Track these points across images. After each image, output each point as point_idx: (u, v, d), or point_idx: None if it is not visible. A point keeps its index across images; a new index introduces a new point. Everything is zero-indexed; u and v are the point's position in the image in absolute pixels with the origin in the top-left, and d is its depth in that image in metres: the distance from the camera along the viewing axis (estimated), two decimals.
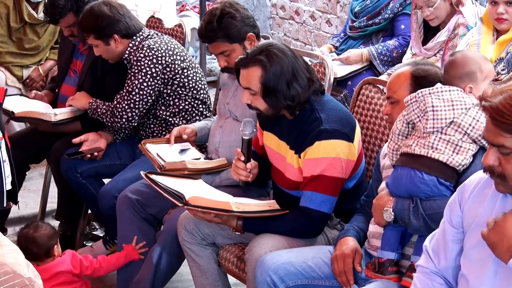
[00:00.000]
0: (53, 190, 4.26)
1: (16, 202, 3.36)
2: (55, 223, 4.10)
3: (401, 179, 2.54)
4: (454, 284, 2.19)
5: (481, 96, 1.95)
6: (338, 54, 4.68)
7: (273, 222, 2.90)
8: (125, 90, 3.74)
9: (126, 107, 3.71)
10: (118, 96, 3.76)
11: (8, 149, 3.14)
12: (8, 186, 3.10)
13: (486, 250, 2.00)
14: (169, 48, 3.75)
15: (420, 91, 2.57)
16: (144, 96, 3.71)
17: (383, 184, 2.69)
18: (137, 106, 3.72)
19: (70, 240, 4.05)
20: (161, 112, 3.82)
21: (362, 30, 4.66)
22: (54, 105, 4.18)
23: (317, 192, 2.85)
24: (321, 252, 2.79)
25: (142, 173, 3.05)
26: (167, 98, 3.79)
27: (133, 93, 3.70)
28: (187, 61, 3.80)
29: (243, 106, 3.13)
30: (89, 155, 3.80)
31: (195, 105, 3.83)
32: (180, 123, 3.79)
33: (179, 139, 3.56)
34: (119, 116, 3.73)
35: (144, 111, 3.77)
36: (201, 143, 3.70)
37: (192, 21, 6.48)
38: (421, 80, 2.68)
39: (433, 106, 2.52)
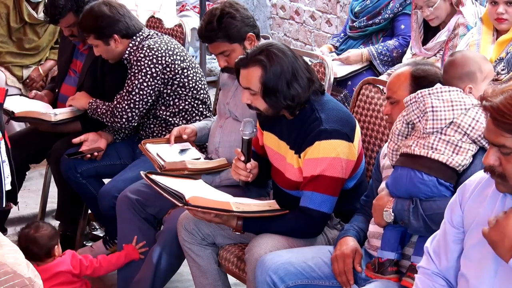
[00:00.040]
0: (53, 190, 4.26)
1: (16, 203, 3.36)
2: (55, 223, 4.10)
3: (401, 180, 2.54)
4: (456, 284, 2.19)
5: (481, 96, 1.95)
6: (338, 54, 4.68)
7: (273, 222, 2.90)
8: (125, 90, 3.74)
9: (126, 107, 3.71)
10: (118, 96, 3.76)
11: (8, 149, 3.14)
12: (7, 186, 3.10)
13: (487, 249, 2.00)
14: (169, 48, 3.75)
15: (419, 91, 2.57)
16: (144, 96, 3.71)
17: (383, 184, 2.69)
18: (137, 106, 3.72)
19: (70, 240, 4.05)
20: (161, 112, 3.82)
21: (362, 30, 4.66)
22: (54, 105, 4.18)
23: (317, 192, 2.85)
24: (321, 252, 2.79)
25: (142, 173, 3.05)
26: (167, 98, 3.79)
27: (133, 93, 3.70)
28: (187, 61, 3.80)
29: (243, 106, 3.13)
30: (89, 155, 3.80)
31: (195, 105, 3.83)
32: (180, 123, 3.79)
33: (179, 139, 3.56)
34: (119, 116, 3.73)
35: (144, 111, 3.78)
36: (201, 143, 3.70)
37: (192, 21, 6.48)
38: (420, 80, 2.68)
39: (432, 107, 2.52)
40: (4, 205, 3.12)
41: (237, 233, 2.95)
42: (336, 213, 2.98)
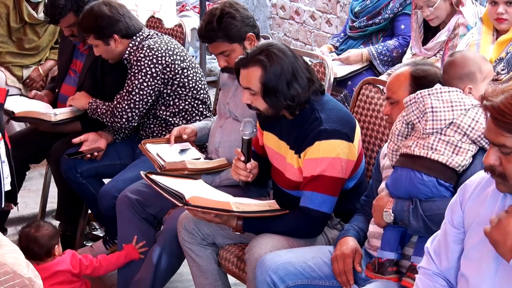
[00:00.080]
0: (53, 190, 4.26)
1: (16, 204, 3.36)
2: (55, 223, 4.10)
3: (400, 180, 2.53)
4: (456, 285, 2.19)
5: (482, 96, 1.96)
6: (338, 54, 4.68)
7: (273, 222, 2.90)
8: (125, 90, 3.74)
9: (126, 107, 3.71)
10: (118, 96, 3.76)
11: (8, 150, 3.14)
12: (7, 187, 3.09)
13: (487, 249, 2.00)
14: (169, 48, 3.75)
15: (419, 92, 2.57)
16: (144, 96, 3.71)
17: (383, 185, 2.69)
18: (137, 106, 3.72)
19: (70, 240, 4.05)
20: (161, 112, 3.82)
21: (362, 30, 4.66)
22: (54, 105, 4.18)
23: (317, 192, 2.85)
24: (321, 252, 2.79)
25: (142, 173, 3.05)
26: (167, 98, 3.79)
27: (133, 93, 3.70)
28: (187, 61, 3.80)
29: (243, 106, 3.13)
30: (89, 155, 3.80)
31: (195, 105, 3.83)
32: (180, 123, 3.79)
33: (179, 139, 3.56)
34: (119, 116, 3.73)
35: (144, 111, 3.78)
36: (201, 143, 3.70)
37: (192, 21, 6.48)
38: (420, 80, 2.68)
39: (432, 107, 2.51)
40: (3, 206, 3.12)
41: (237, 233, 2.95)
42: (336, 213, 2.98)
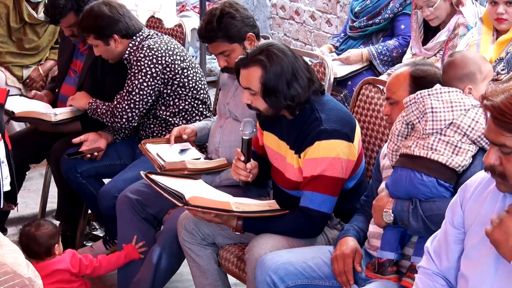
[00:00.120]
0: (53, 190, 4.26)
1: (15, 204, 3.36)
2: (55, 223, 4.10)
3: (400, 181, 2.53)
4: (456, 285, 2.19)
5: (483, 95, 1.96)
6: (338, 54, 4.68)
7: (273, 222, 2.90)
8: (125, 90, 3.74)
9: (126, 107, 3.71)
10: (118, 96, 3.76)
11: (8, 150, 3.14)
12: (6, 187, 3.09)
13: (487, 249, 2.00)
14: (169, 48, 3.75)
15: (419, 92, 2.57)
16: (144, 96, 3.71)
17: (383, 185, 2.69)
18: (137, 106, 3.72)
19: (70, 240, 4.05)
20: (161, 112, 3.82)
21: (362, 30, 4.66)
22: (54, 105, 4.18)
23: (317, 192, 2.85)
24: (321, 252, 2.79)
25: (142, 173, 3.05)
26: (167, 98, 3.79)
27: (133, 93, 3.70)
28: (187, 61, 3.80)
29: (243, 106, 3.12)
30: (89, 155, 3.80)
31: (195, 105, 3.83)
32: (180, 123, 3.79)
33: (179, 139, 3.56)
34: (119, 116, 3.73)
35: (144, 111, 3.78)
36: (201, 143, 3.70)
37: (192, 21, 6.48)
38: (420, 80, 2.68)
39: (432, 108, 2.51)
40: (1, 206, 3.11)
41: (237, 233, 2.95)
42: (336, 213, 2.98)
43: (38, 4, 5.00)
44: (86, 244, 4.14)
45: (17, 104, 4.03)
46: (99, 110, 3.80)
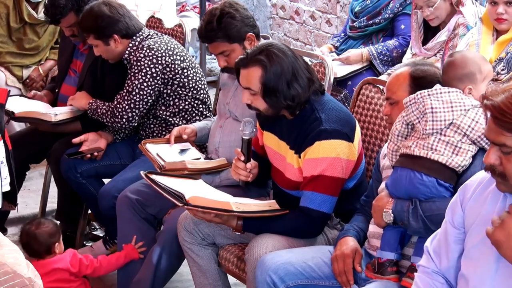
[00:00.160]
0: (53, 190, 4.26)
1: (16, 204, 3.36)
2: (56, 222, 4.10)
3: (400, 181, 2.53)
4: (455, 284, 2.19)
5: (483, 95, 1.96)
6: (338, 54, 4.68)
7: (273, 222, 2.90)
8: (125, 90, 3.74)
9: (126, 107, 3.71)
10: (118, 96, 3.76)
11: (9, 151, 3.14)
12: (5, 187, 3.09)
13: (487, 249, 2.00)
14: (169, 48, 3.75)
15: (419, 92, 2.57)
16: (144, 96, 3.71)
17: (383, 185, 2.69)
18: (137, 106, 3.72)
19: (70, 240, 4.05)
20: (161, 112, 3.82)
21: (362, 30, 4.66)
22: (54, 105, 4.18)
23: (317, 192, 2.85)
24: (321, 252, 2.79)
25: (142, 173, 3.05)
26: (167, 98, 3.79)
27: (133, 93, 3.70)
28: (187, 61, 3.80)
29: (243, 106, 3.12)
30: (89, 155, 3.80)
31: (195, 105, 3.83)
32: (180, 123, 3.79)
33: (179, 139, 3.56)
34: (119, 116, 3.73)
35: (144, 111, 3.78)
36: (201, 143, 3.70)
37: (192, 21, 6.48)
38: (420, 80, 2.68)
39: (432, 108, 2.51)
40: (1, 206, 3.11)
41: (237, 233, 2.95)
42: (336, 213, 2.98)
43: (38, 4, 5.00)
44: (86, 244, 4.14)
45: (17, 104, 4.03)
46: (99, 110, 3.80)
